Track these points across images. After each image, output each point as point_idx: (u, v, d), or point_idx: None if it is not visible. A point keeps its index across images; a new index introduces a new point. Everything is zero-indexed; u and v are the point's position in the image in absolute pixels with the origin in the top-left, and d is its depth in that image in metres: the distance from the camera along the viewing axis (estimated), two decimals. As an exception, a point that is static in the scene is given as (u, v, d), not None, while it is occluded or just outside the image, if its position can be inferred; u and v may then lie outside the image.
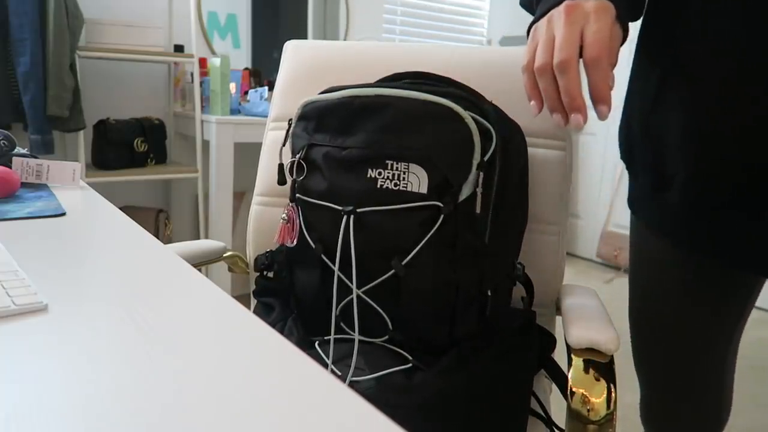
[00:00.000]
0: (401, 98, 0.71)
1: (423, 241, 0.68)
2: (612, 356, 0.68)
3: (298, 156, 0.77)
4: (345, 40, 2.97)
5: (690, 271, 0.76)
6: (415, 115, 0.70)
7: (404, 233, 0.69)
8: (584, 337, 0.69)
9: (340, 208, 0.71)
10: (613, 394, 0.64)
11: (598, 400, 0.64)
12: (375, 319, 0.72)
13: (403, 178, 0.70)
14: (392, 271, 0.69)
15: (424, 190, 0.69)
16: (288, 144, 0.82)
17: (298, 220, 0.78)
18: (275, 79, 1.09)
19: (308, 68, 1.03)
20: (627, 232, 3.31)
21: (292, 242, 0.78)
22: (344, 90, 0.75)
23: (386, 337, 0.73)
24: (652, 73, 0.71)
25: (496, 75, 0.95)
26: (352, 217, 0.70)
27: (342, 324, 0.75)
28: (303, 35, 2.90)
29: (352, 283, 0.71)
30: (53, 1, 1.92)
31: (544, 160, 0.92)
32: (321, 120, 0.76)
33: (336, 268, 0.72)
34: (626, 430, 1.69)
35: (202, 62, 2.37)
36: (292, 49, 1.06)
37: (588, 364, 0.67)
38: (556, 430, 0.78)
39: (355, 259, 0.71)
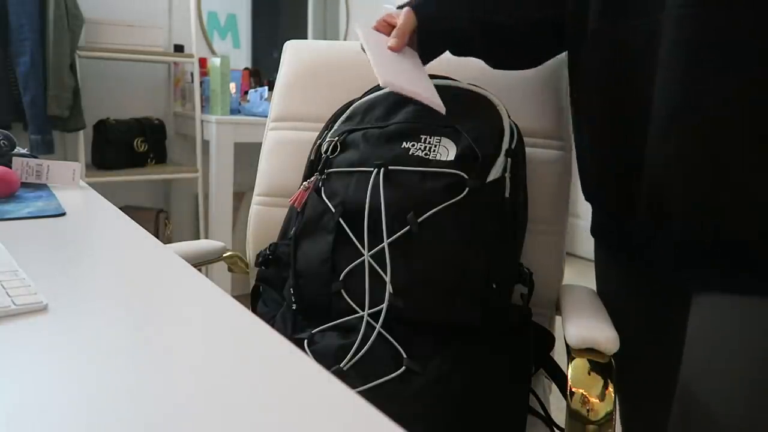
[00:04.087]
0: (446, 86, 0.80)
1: (443, 204, 0.71)
2: (611, 356, 0.68)
3: (336, 139, 0.82)
4: (345, 40, 2.97)
5: (624, 274, 0.80)
6: (455, 100, 0.78)
7: (428, 194, 0.72)
8: (584, 337, 0.69)
9: (370, 169, 0.76)
10: (612, 394, 0.64)
11: (598, 400, 0.64)
12: (377, 285, 0.71)
13: (434, 150, 0.75)
14: (407, 228, 0.71)
15: (451, 158, 0.74)
16: (317, 144, 0.86)
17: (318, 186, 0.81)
18: (275, 79, 1.09)
19: (308, 68, 1.03)
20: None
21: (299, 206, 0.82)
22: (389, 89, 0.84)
23: (386, 303, 0.70)
24: None
25: (495, 75, 0.95)
26: (382, 171, 0.74)
27: (343, 292, 0.73)
28: (303, 35, 2.90)
29: (364, 246, 0.73)
30: (53, 1, 1.92)
31: (544, 160, 0.92)
32: (367, 112, 0.83)
33: (365, 223, 0.73)
34: (626, 430, 1.69)
35: (202, 62, 2.37)
36: (292, 49, 1.06)
37: (588, 364, 0.67)
38: (555, 429, 0.78)
39: (378, 213, 0.73)
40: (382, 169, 0.74)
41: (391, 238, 0.71)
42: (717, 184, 0.57)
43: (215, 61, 2.20)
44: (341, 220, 0.74)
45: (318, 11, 2.92)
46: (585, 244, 3.58)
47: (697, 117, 0.57)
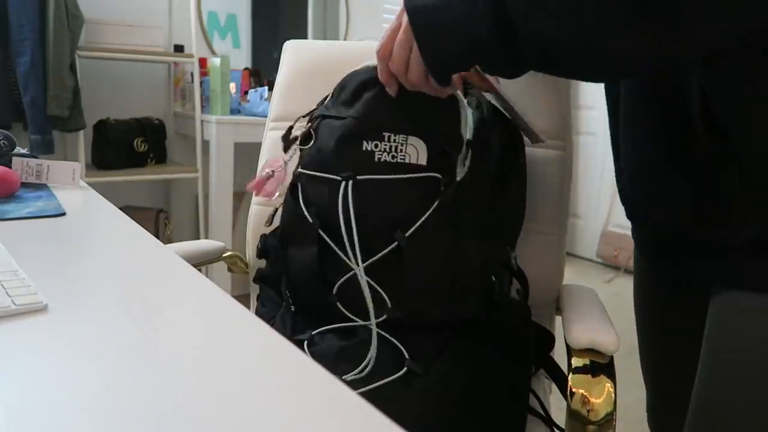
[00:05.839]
0: None
1: (428, 212, 0.67)
2: (612, 356, 0.68)
3: (308, 126, 0.77)
4: (345, 40, 2.97)
5: (662, 279, 0.78)
6: (405, 91, 0.69)
7: (405, 205, 0.68)
8: (584, 338, 0.69)
9: (338, 177, 0.70)
10: (613, 395, 0.64)
11: (598, 400, 0.64)
12: (372, 298, 0.70)
13: (401, 150, 0.69)
14: (395, 244, 0.68)
15: (423, 161, 0.69)
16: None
17: (283, 176, 0.77)
18: (275, 79, 1.09)
19: (308, 68, 1.03)
20: (627, 232, 3.31)
21: (268, 196, 0.78)
22: (367, 63, 0.76)
23: (384, 317, 0.70)
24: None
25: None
26: (350, 183, 0.69)
27: (339, 305, 0.72)
28: (303, 35, 2.89)
29: (351, 259, 0.69)
30: (53, 1, 1.92)
31: (544, 160, 0.92)
32: (341, 91, 0.77)
33: (355, 238, 0.69)
34: (626, 431, 1.69)
35: (202, 62, 2.37)
36: (291, 49, 1.06)
37: (588, 365, 0.67)
38: (556, 429, 0.78)
39: (356, 230, 0.68)
40: (351, 183, 0.69)
41: (379, 255, 0.68)
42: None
43: (215, 61, 2.20)
44: (323, 233, 0.71)
45: (318, 11, 2.92)
46: (585, 244, 3.58)
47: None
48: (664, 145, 0.63)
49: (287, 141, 0.81)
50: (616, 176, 0.76)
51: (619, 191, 0.76)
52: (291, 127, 0.81)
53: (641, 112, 0.66)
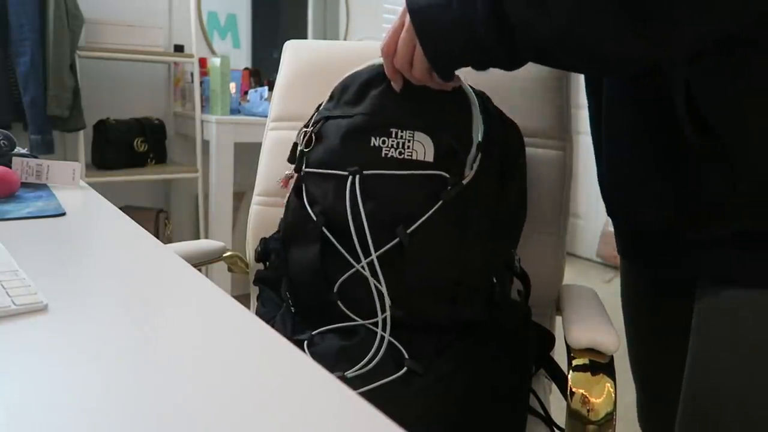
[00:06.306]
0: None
1: (431, 211, 0.67)
2: (612, 356, 0.68)
3: (311, 129, 0.77)
4: (345, 40, 2.97)
5: (644, 277, 0.80)
6: (417, 87, 0.70)
7: (411, 201, 0.68)
8: (584, 338, 0.69)
9: (345, 173, 0.70)
10: (612, 394, 0.64)
11: (598, 400, 0.64)
12: (374, 296, 0.70)
13: (408, 146, 0.69)
14: (396, 240, 0.67)
15: (430, 158, 0.69)
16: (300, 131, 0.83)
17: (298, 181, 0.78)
18: (275, 79, 1.08)
19: (308, 68, 1.03)
20: (627, 232, 3.32)
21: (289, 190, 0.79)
22: (370, 62, 0.76)
23: (385, 315, 0.70)
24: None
25: (494, 74, 0.95)
26: (357, 177, 0.69)
27: (340, 303, 0.72)
28: (303, 35, 2.90)
29: (357, 253, 0.69)
30: (53, 1, 1.92)
31: (544, 160, 0.92)
32: (343, 92, 0.77)
33: (353, 236, 0.69)
34: (626, 430, 1.69)
35: (202, 62, 2.37)
36: (291, 49, 1.06)
37: (588, 365, 0.67)
38: (555, 429, 0.78)
39: (359, 226, 0.68)
40: (358, 177, 0.69)
41: (380, 251, 0.68)
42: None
43: (215, 61, 2.20)
44: (326, 231, 0.71)
45: (318, 11, 2.92)
46: (585, 244, 3.58)
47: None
48: (648, 146, 0.63)
49: (294, 152, 0.82)
50: (598, 175, 0.76)
51: (601, 189, 0.76)
52: (296, 143, 0.82)
53: (624, 112, 0.66)
